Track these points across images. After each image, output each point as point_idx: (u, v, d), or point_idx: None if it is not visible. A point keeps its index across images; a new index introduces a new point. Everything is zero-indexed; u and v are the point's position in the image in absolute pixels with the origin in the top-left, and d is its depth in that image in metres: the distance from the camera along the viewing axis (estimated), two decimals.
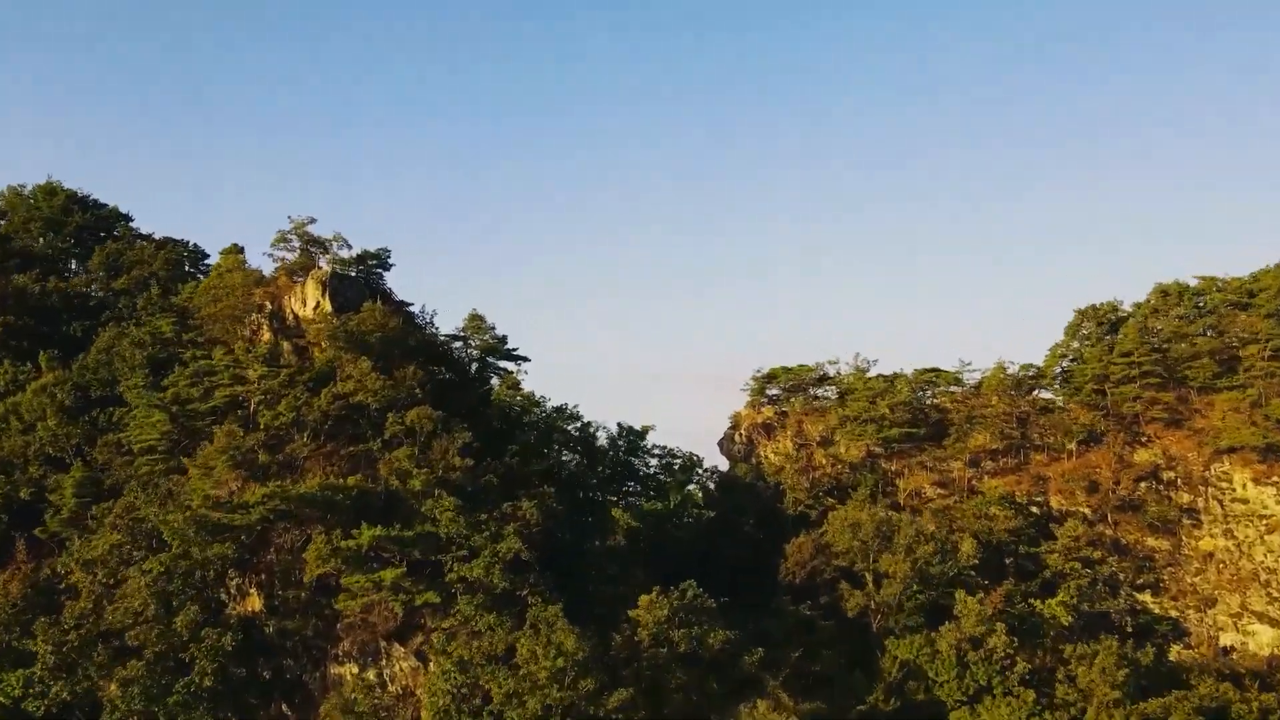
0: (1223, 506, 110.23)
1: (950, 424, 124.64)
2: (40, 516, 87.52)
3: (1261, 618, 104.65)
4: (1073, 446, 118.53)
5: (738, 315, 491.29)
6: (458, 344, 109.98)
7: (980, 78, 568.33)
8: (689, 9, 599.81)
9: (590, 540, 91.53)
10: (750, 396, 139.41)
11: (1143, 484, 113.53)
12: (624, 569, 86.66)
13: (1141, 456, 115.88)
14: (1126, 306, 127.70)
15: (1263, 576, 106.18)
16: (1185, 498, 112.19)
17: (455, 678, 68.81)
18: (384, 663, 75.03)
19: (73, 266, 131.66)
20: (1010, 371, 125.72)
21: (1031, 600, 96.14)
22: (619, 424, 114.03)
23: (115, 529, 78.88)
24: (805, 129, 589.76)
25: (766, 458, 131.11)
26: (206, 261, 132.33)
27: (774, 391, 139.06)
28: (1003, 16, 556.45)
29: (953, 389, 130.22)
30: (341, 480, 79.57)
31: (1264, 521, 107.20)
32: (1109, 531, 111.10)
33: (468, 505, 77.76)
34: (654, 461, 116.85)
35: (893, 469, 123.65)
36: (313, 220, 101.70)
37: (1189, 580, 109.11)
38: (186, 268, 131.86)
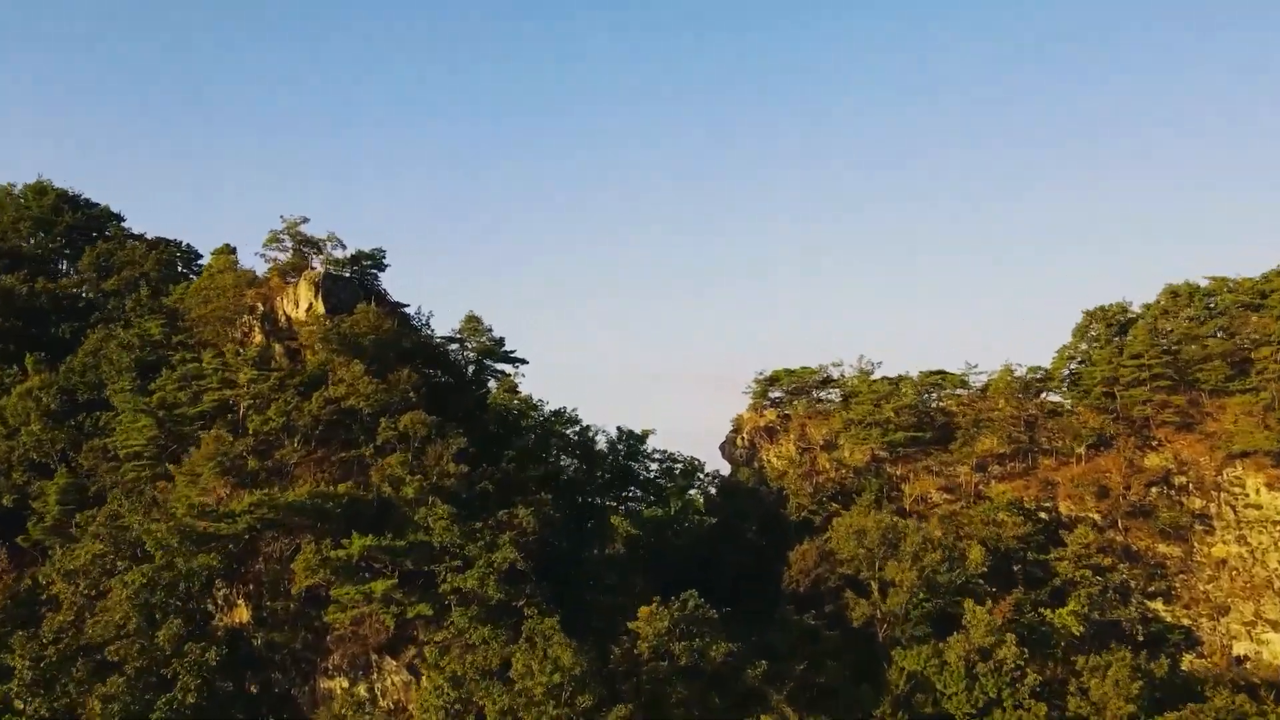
0: (1235, 512, 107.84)
1: (956, 427, 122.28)
2: (23, 524, 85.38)
3: (1275, 626, 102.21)
4: (1082, 450, 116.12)
5: (738, 315, 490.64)
6: (454, 346, 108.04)
7: (980, 78, 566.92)
8: (689, 9, 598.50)
9: (589, 548, 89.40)
10: (752, 399, 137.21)
11: (1154, 489, 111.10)
12: (623, 578, 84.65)
13: (1152, 461, 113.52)
14: (1135, 307, 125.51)
15: (1276, 584, 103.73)
16: (1197, 503, 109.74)
17: (448, 693, 66.72)
18: (375, 677, 72.90)
19: (62, 267, 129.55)
20: (1017, 374, 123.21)
21: (1041, 609, 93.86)
22: (619, 428, 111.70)
23: (98, 538, 76.71)
24: (805, 129, 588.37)
25: (769, 462, 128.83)
26: (199, 262, 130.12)
27: (776, 394, 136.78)
28: (1003, 16, 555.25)
29: (959, 392, 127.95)
30: (332, 488, 77.46)
31: (1278, 527, 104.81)
32: (1119, 538, 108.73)
33: (462, 513, 75.70)
34: (654, 466, 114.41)
35: (898, 473, 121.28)
36: (305, 220, 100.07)
37: (1201, 588, 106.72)
38: (179, 268, 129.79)
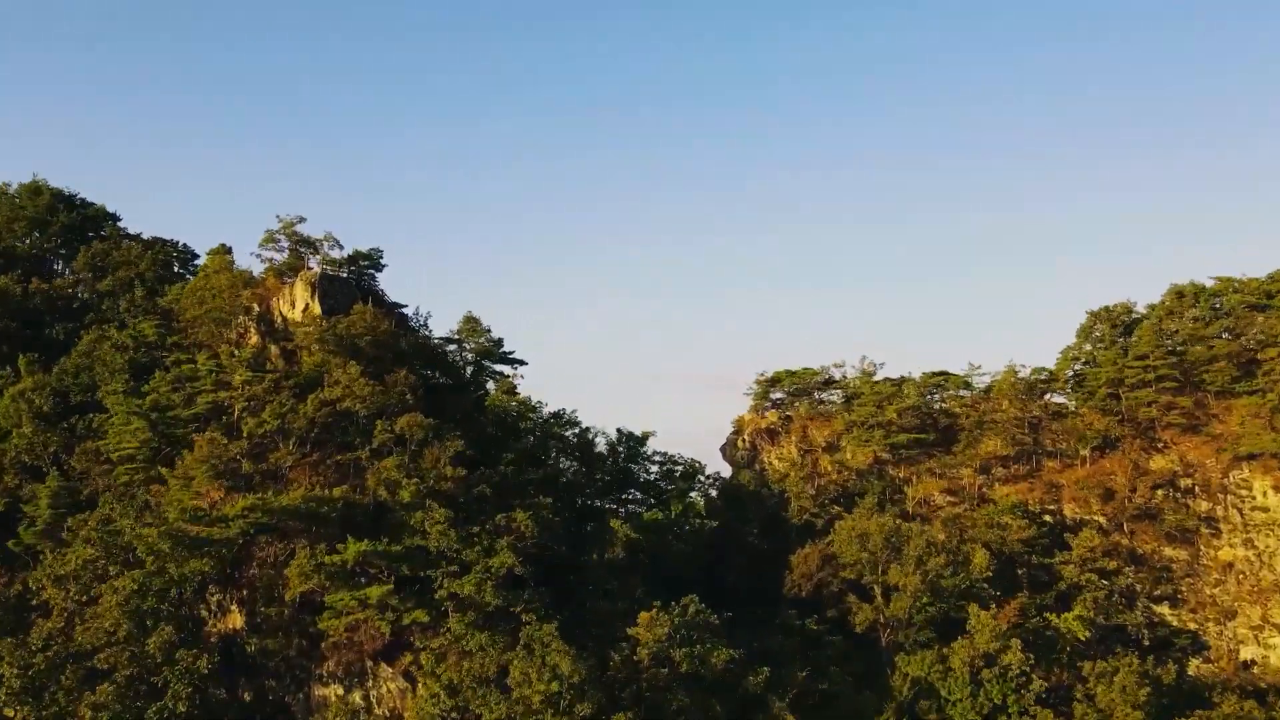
0: (1242, 515, 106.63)
1: (960, 429, 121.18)
2: (14, 528, 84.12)
3: None
4: (1086, 453, 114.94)
5: (739, 315, 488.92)
6: (452, 347, 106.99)
7: (983, 76, 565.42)
8: (690, 9, 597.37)
9: (588, 553, 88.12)
10: (753, 400, 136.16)
11: (1159, 492, 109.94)
12: (623, 583, 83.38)
13: (1158, 463, 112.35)
14: (1140, 308, 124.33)
15: None
16: (1203, 506, 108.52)
17: (444, 701, 65.60)
18: (370, 684, 71.76)
19: (57, 267, 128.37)
20: (1021, 375, 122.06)
21: (1047, 614, 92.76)
22: (619, 430, 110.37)
23: (89, 543, 75.47)
24: (806, 129, 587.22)
25: (770, 464, 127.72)
26: (196, 262, 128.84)
27: (778, 395, 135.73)
28: (1003, 16, 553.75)
29: (962, 393, 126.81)
30: (327, 491, 76.27)
31: None
32: (1125, 541, 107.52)
33: (459, 517, 74.52)
34: (654, 468, 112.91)
35: (901, 476, 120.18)
36: (302, 219, 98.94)
37: (1208, 592, 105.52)
38: (176, 268, 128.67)
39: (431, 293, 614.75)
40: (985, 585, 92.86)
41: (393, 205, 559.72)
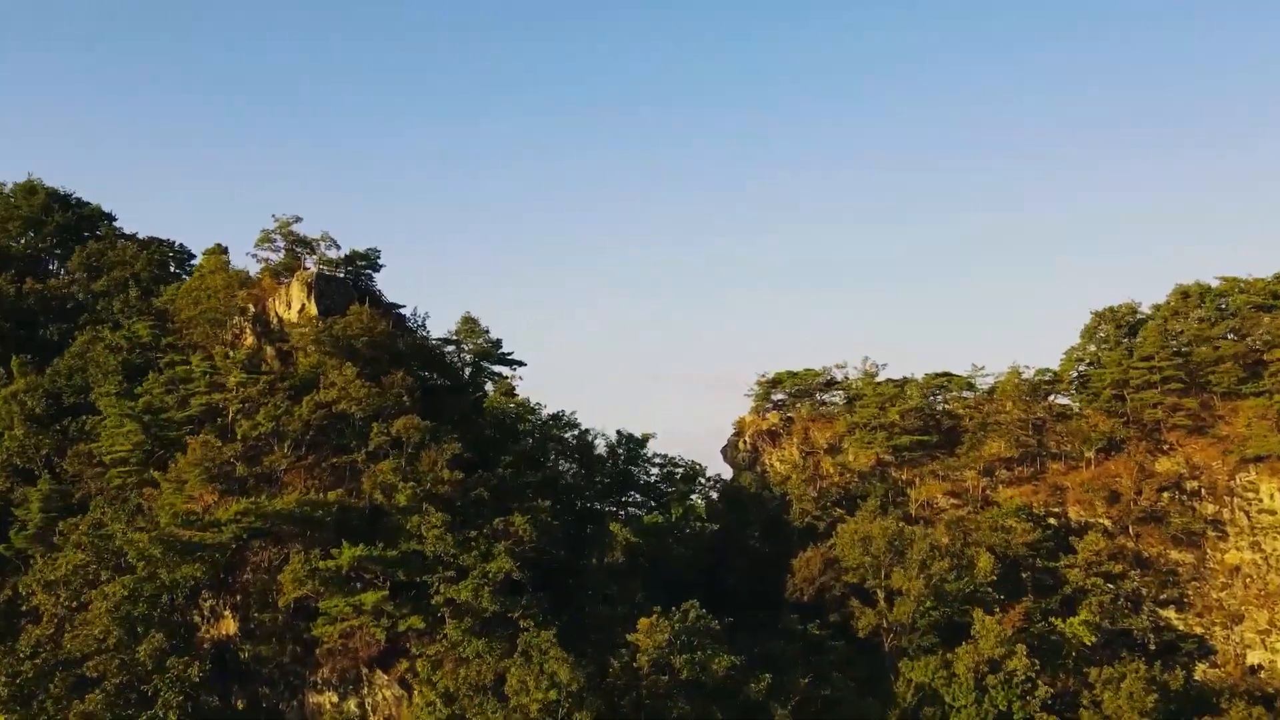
0: (1249, 518, 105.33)
1: (963, 431, 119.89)
2: (5, 532, 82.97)
3: None
4: (1091, 455, 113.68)
5: (740, 315, 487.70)
6: (450, 348, 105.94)
7: (985, 76, 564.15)
8: (690, 9, 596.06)
9: (587, 557, 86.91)
10: (755, 401, 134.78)
11: (1165, 494, 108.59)
12: (623, 588, 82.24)
13: (1163, 465, 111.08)
14: (1145, 308, 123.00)
15: None
16: (1210, 508, 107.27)
17: (440, 709, 64.57)
18: (365, 691, 70.69)
19: (52, 267, 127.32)
20: (1025, 376, 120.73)
21: (1052, 618, 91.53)
22: (618, 431, 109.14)
23: (80, 547, 74.32)
24: (807, 129, 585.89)
25: (772, 466, 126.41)
26: (192, 262, 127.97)
27: (779, 396, 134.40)
28: (1003, 16, 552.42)
29: (965, 394, 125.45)
30: (322, 495, 75.28)
31: None
32: (1130, 544, 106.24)
33: (457, 521, 73.51)
34: (655, 471, 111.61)
35: (903, 478, 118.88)
36: (298, 219, 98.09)
37: (1215, 595, 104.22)
38: (172, 269, 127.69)
39: (431, 293, 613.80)
40: (989, 589, 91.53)
41: (392, 205, 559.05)
